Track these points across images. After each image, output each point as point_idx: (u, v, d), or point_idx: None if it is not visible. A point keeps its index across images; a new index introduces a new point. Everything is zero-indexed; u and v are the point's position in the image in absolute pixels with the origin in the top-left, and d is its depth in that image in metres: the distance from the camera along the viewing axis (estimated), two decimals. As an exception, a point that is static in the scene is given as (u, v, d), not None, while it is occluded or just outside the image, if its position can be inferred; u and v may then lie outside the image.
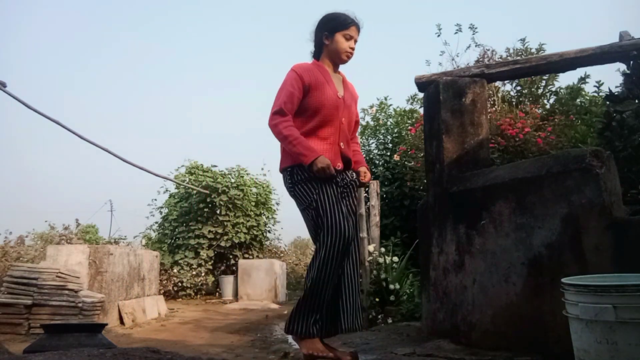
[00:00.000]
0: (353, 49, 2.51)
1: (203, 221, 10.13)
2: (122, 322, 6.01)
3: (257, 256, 10.70)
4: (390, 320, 4.67)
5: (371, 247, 5.51)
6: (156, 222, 11.23)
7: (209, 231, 10.04)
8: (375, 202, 5.94)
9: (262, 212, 11.13)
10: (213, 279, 10.21)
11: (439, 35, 7.46)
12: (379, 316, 4.91)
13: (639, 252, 2.03)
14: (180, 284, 9.53)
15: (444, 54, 7.46)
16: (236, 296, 9.29)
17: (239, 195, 10.25)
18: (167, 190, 11.22)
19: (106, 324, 3.97)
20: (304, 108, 2.43)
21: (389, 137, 8.28)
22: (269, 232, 11.71)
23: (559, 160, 2.38)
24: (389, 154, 8.01)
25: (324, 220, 2.29)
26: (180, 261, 9.82)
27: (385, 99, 8.75)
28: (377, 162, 8.14)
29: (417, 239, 4.14)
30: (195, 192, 10.16)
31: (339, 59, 2.52)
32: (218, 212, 10.03)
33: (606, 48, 2.97)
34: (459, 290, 2.78)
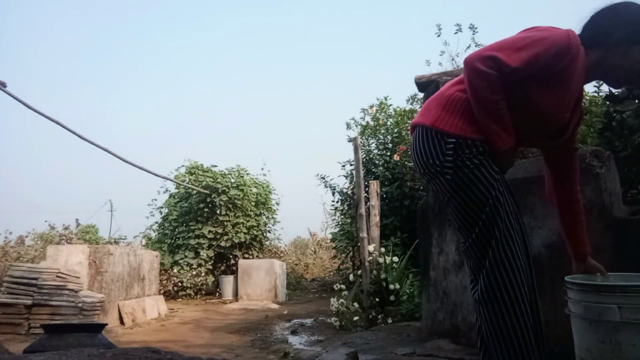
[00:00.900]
0: None
1: (203, 221, 10.13)
2: (122, 322, 6.01)
3: (257, 256, 10.70)
4: (390, 320, 4.67)
5: (371, 247, 5.52)
6: (156, 222, 11.23)
7: (209, 231, 10.04)
8: (375, 202, 5.95)
9: (262, 212, 11.13)
10: (213, 279, 10.22)
11: (439, 35, 7.47)
12: (379, 316, 4.92)
13: (639, 252, 2.03)
14: (180, 284, 9.53)
15: (444, 54, 7.47)
16: (236, 296, 9.29)
17: (239, 195, 10.25)
18: (167, 190, 11.23)
19: (106, 324, 3.96)
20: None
21: (389, 137, 8.28)
22: (269, 232, 11.71)
23: (559, 160, 2.38)
24: (389, 154, 8.01)
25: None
26: (180, 261, 9.82)
27: (385, 98, 8.75)
28: (377, 162, 8.14)
29: (417, 239, 4.14)
30: (195, 192, 10.16)
31: (613, 77, 1.63)
32: (218, 212, 10.03)
33: (606, 48, 2.97)
34: (459, 290, 2.78)
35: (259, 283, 9.13)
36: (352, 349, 2.84)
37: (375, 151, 8.35)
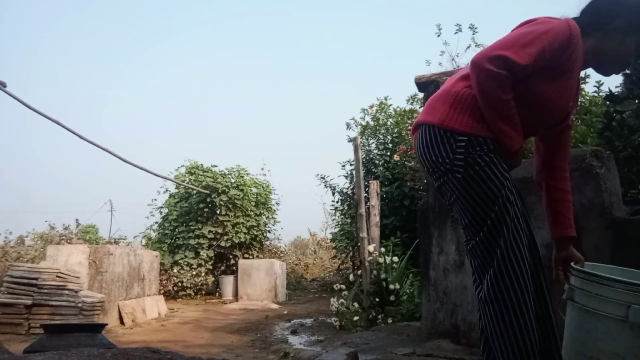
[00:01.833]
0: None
1: (203, 221, 10.14)
2: (122, 322, 6.01)
3: (257, 256, 10.70)
4: (390, 320, 4.67)
5: (371, 247, 5.52)
6: (156, 222, 11.23)
7: (209, 231, 10.04)
8: (375, 202, 5.95)
9: (262, 212, 11.13)
10: (213, 279, 10.22)
11: (439, 35, 7.45)
12: (379, 316, 4.92)
13: (639, 252, 2.03)
14: (180, 284, 9.53)
15: (444, 54, 7.47)
16: (236, 296, 9.29)
17: (239, 195, 10.25)
18: (167, 190, 11.23)
19: (106, 324, 3.97)
20: None
21: (389, 137, 8.28)
22: (269, 232, 11.71)
23: (559, 160, 2.38)
24: (389, 154, 8.01)
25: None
26: (180, 261, 9.82)
27: (385, 99, 8.76)
28: (377, 162, 8.14)
29: (417, 239, 4.14)
30: (195, 192, 10.16)
31: (605, 63, 1.64)
32: (218, 212, 10.03)
33: (606, 48, 2.97)
34: (459, 290, 2.78)
35: (259, 283, 9.13)
36: (352, 349, 2.85)
37: (375, 151, 8.36)
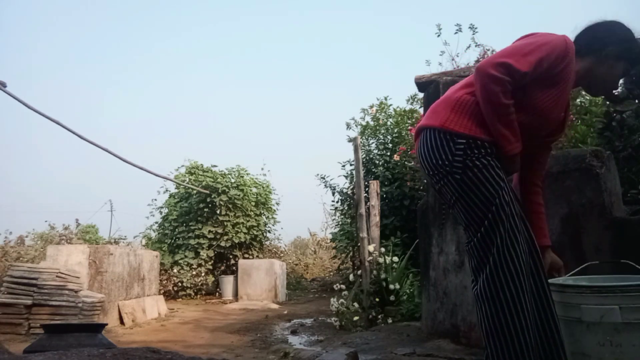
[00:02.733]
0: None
1: (203, 221, 10.14)
2: (122, 322, 6.01)
3: (257, 256, 10.70)
4: (390, 320, 4.67)
5: (371, 247, 5.52)
6: (156, 222, 11.23)
7: (209, 231, 10.04)
8: (375, 202, 5.95)
9: (262, 212, 11.13)
10: (213, 279, 10.22)
11: (439, 35, 7.45)
12: (379, 316, 4.92)
13: (639, 252, 2.03)
14: (180, 284, 9.53)
15: (444, 54, 7.47)
16: (236, 296, 9.29)
17: (239, 195, 10.25)
18: (167, 190, 11.23)
19: (106, 324, 3.96)
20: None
21: (389, 137, 8.28)
22: (269, 232, 11.71)
23: (559, 160, 2.38)
24: (389, 154, 8.01)
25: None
26: (180, 261, 9.82)
27: (385, 99, 8.76)
28: (377, 162, 8.14)
29: (417, 239, 4.14)
30: (195, 192, 10.16)
31: (595, 86, 1.78)
32: (218, 212, 10.03)
33: (606, 48, 2.97)
34: (459, 290, 2.78)
35: (259, 283, 9.13)
36: (352, 349, 2.85)
37: (375, 151, 8.36)
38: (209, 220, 10.15)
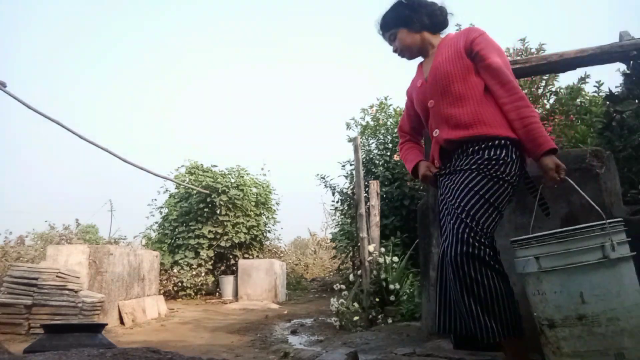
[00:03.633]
0: (395, 50, 2.27)
1: (203, 221, 10.13)
2: (122, 322, 6.01)
3: (257, 256, 10.70)
4: (390, 320, 4.67)
5: (371, 247, 5.52)
6: (156, 222, 11.22)
7: (209, 231, 10.04)
8: (375, 202, 5.95)
9: (262, 212, 11.13)
10: (213, 279, 10.22)
11: (439, 35, 7.46)
12: (379, 316, 4.92)
13: (639, 252, 2.03)
14: (180, 284, 9.53)
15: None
16: (236, 296, 9.29)
17: (239, 195, 10.25)
18: (167, 190, 11.22)
19: (106, 324, 3.96)
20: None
21: (389, 137, 8.28)
22: (269, 232, 11.71)
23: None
24: (389, 154, 8.01)
25: None
26: (180, 261, 9.82)
27: (386, 99, 8.76)
28: (377, 162, 8.14)
29: (417, 239, 4.14)
30: (195, 192, 10.16)
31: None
32: (218, 212, 10.03)
33: (606, 48, 2.98)
34: (459, 290, 2.78)
35: (259, 283, 9.13)
36: (352, 349, 2.84)
37: (375, 151, 8.36)
38: (209, 220, 10.15)
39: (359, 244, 5.76)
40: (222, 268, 10.45)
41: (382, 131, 8.41)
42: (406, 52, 2.21)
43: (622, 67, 3.44)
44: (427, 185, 3.09)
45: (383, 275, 5.18)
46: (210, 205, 10.03)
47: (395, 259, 5.40)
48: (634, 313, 1.56)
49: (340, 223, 9.09)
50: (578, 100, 6.63)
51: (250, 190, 10.69)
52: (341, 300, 5.29)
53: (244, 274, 9.24)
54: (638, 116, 3.18)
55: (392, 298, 4.99)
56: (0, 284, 5.48)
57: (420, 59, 2.25)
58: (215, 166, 10.81)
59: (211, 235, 10.05)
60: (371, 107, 8.78)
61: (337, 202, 8.82)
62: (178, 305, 8.29)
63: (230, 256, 10.39)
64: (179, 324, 6.21)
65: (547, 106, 7.00)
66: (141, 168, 7.93)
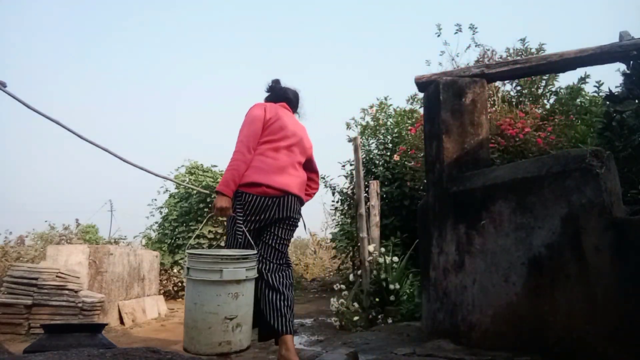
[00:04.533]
0: None
1: (203, 221, 10.13)
2: (122, 322, 6.01)
3: (257, 256, 10.68)
4: (390, 320, 4.67)
5: (371, 247, 5.51)
6: (156, 222, 11.23)
7: (209, 231, 10.04)
8: (375, 202, 5.94)
9: (262, 212, 11.11)
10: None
11: (439, 35, 7.46)
12: (379, 316, 4.91)
13: (639, 252, 2.03)
14: (180, 284, 9.52)
15: (444, 54, 7.48)
16: (236, 296, 9.27)
17: (239, 195, 10.25)
18: (167, 190, 11.22)
19: (106, 324, 3.96)
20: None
21: (389, 137, 8.28)
22: (269, 232, 11.68)
23: (559, 160, 2.38)
24: (389, 154, 8.00)
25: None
26: (180, 261, 9.81)
27: (385, 99, 8.75)
28: (377, 162, 8.13)
29: (417, 239, 4.14)
30: (195, 192, 10.16)
31: None
32: (218, 212, 10.01)
33: (606, 48, 2.98)
34: (459, 290, 2.78)
35: (259, 283, 9.10)
36: (352, 349, 2.84)
37: (375, 151, 8.35)
38: (209, 220, 10.14)
39: (359, 244, 5.76)
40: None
41: (382, 131, 8.40)
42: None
43: (622, 67, 3.44)
44: (427, 186, 3.12)
45: (383, 275, 5.18)
46: (210, 205, 10.03)
47: (395, 259, 5.40)
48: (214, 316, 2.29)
49: (340, 223, 9.09)
50: (578, 100, 6.62)
51: (250, 190, 10.68)
52: (341, 300, 5.28)
53: (244, 274, 9.22)
54: (638, 116, 3.17)
55: (392, 298, 4.99)
56: (0, 284, 5.48)
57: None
58: (215, 166, 10.81)
59: (211, 235, 10.04)
60: (371, 107, 8.77)
61: (337, 202, 8.81)
62: (178, 305, 8.28)
63: (230, 256, 10.39)
64: (179, 324, 6.20)
65: (547, 106, 7.00)
66: (141, 168, 7.91)
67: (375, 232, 5.79)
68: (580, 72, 6.52)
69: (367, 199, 6.02)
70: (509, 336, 2.44)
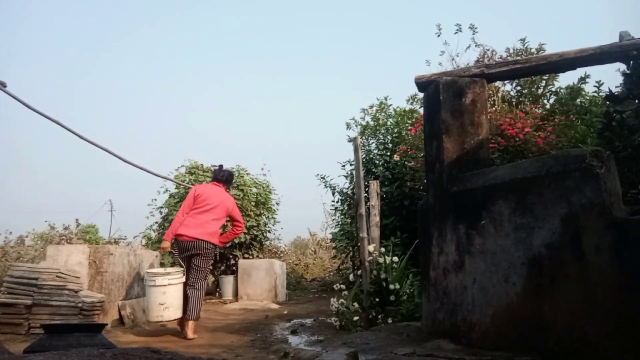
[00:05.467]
0: None
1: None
2: (122, 322, 6.01)
3: (257, 256, 10.69)
4: (390, 320, 4.67)
5: (371, 247, 5.51)
6: (156, 222, 11.20)
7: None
8: (375, 202, 5.94)
9: (262, 212, 11.11)
10: (213, 279, 10.21)
11: (439, 35, 7.47)
12: (379, 316, 4.91)
13: (639, 252, 2.03)
14: (180, 284, 9.52)
15: (444, 54, 7.47)
16: (236, 296, 9.28)
17: (239, 195, 10.24)
18: (167, 190, 11.20)
19: (106, 324, 3.97)
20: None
21: (389, 137, 8.28)
22: (269, 232, 11.69)
23: (559, 160, 2.38)
24: (389, 154, 8.01)
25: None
26: (180, 261, 9.81)
27: (385, 98, 8.75)
28: (377, 162, 8.13)
29: (417, 239, 4.14)
30: (195, 192, 10.14)
31: None
32: (218, 212, 10.01)
33: (606, 48, 2.98)
34: (459, 290, 2.78)
35: (259, 283, 9.12)
36: (352, 349, 2.84)
37: (375, 151, 8.35)
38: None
39: (359, 244, 5.76)
40: (222, 268, 10.44)
41: (382, 131, 8.40)
42: None
43: (622, 67, 3.44)
44: (427, 186, 3.11)
45: (383, 275, 5.18)
46: (210, 205, 10.02)
47: (395, 259, 5.40)
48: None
49: (340, 223, 9.09)
50: (578, 100, 6.62)
51: (250, 190, 10.68)
52: (341, 300, 5.28)
53: (244, 274, 9.24)
54: (638, 116, 3.17)
55: (392, 298, 4.99)
56: (0, 284, 5.48)
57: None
58: (215, 166, 10.80)
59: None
60: (371, 107, 8.77)
61: (337, 202, 8.81)
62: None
63: (230, 256, 10.38)
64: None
65: (547, 106, 7.00)
66: (141, 168, 7.92)
67: (375, 232, 5.79)
68: (580, 72, 6.53)
69: (367, 199, 6.03)
70: (509, 336, 2.44)
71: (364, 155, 7.91)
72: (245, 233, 10.38)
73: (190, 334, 4.63)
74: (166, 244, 4.88)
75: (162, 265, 9.21)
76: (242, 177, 10.70)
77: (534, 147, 5.45)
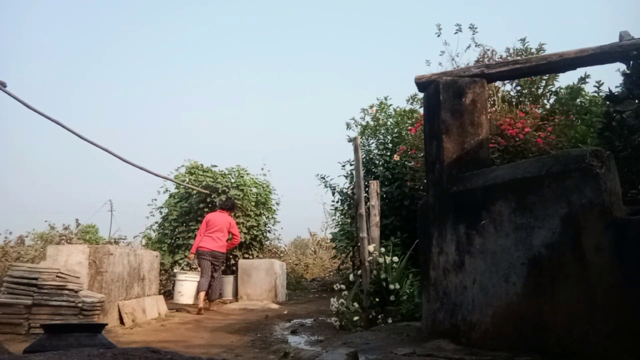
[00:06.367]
0: None
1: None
2: (122, 322, 6.01)
3: (257, 256, 10.68)
4: (390, 320, 4.66)
5: (371, 247, 5.51)
6: (156, 222, 11.21)
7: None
8: (375, 202, 5.94)
9: (262, 212, 11.11)
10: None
11: (439, 35, 7.47)
12: (379, 316, 4.91)
13: (639, 252, 2.03)
14: (180, 284, 9.51)
15: (444, 54, 7.47)
16: (236, 296, 9.28)
17: (239, 195, 10.24)
18: (167, 190, 11.20)
19: (106, 324, 3.96)
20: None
21: (389, 137, 8.28)
22: (269, 232, 11.69)
23: (559, 160, 2.38)
24: (389, 154, 8.01)
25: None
26: (180, 261, 9.81)
27: (385, 99, 8.75)
28: (377, 162, 8.13)
29: (417, 239, 4.14)
30: (195, 192, 10.15)
31: None
32: (218, 212, 10.01)
33: (606, 48, 2.98)
34: (459, 290, 2.78)
35: (259, 283, 9.12)
36: (352, 349, 2.84)
37: (375, 151, 8.35)
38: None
39: (359, 244, 5.76)
40: (222, 268, 10.44)
41: (382, 131, 8.40)
42: None
43: (622, 67, 3.44)
44: (427, 186, 3.10)
45: (383, 275, 5.17)
46: (210, 206, 10.02)
47: (395, 259, 5.40)
48: None
49: (340, 223, 9.09)
50: (578, 100, 6.62)
51: (250, 190, 10.68)
52: (341, 300, 5.28)
53: (244, 274, 9.24)
54: (638, 116, 3.17)
55: (392, 298, 4.98)
56: (0, 284, 5.48)
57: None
58: (215, 166, 10.80)
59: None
60: (371, 107, 8.77)
61: (337, 202, 8.81)
62: (178, 305, 8.28)
63: (230, 256, 10.38)
64: (179, 324, 6.21)
65: (547, 106, 7.00)
66: (141, 168, 7.93)
67: (375, 232, 5.79)
68: (580, 72, 6.53)
69: (367, 199, 6.02)
70: (509, 336, 2.44)
71: (364, 155, 7.91)
72: (245, 233, 10.39)
73: (201, 303, 7.37)
74: (192, 255, 7.96)
75: (161, 265, 9.29)
76: (242, 177, 10.70)
77: (534, 147, 5.45)
